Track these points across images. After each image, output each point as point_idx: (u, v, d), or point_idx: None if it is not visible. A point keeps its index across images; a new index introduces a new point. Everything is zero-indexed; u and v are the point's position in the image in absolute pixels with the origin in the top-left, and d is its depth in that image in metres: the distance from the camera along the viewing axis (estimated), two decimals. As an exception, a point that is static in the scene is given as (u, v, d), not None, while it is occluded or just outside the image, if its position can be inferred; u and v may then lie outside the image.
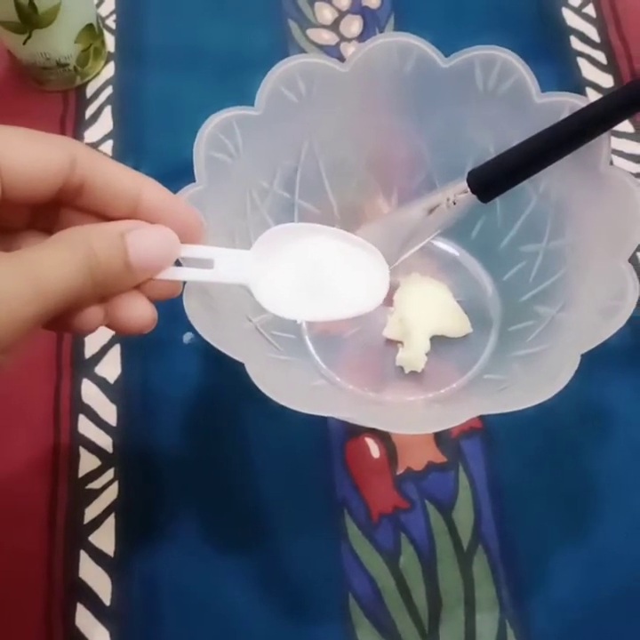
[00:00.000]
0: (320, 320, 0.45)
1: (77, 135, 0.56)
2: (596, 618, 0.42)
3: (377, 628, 0.42)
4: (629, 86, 0.38)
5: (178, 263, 0.33)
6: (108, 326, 0.32)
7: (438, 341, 0.47)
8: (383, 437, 0.46)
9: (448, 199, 0.42)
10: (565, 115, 0.39)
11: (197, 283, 0.36)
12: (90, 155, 0.31)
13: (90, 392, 0.48)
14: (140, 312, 0.32)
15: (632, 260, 0.37)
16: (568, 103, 0.40)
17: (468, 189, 0.41)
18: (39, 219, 0.33)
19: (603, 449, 0.46)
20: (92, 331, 0.31)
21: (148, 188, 0.32)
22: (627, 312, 0.35)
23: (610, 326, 0.35)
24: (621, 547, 0.43)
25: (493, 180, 0.40)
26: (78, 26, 0.54)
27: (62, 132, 0.56)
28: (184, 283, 0.35)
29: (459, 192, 0.41)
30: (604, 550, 0.43)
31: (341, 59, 0.43)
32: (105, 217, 0.32)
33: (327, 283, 0.37)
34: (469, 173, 0.41)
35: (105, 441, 0.47)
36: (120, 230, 0.31)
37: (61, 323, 0.30)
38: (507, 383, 0.41)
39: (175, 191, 0.37)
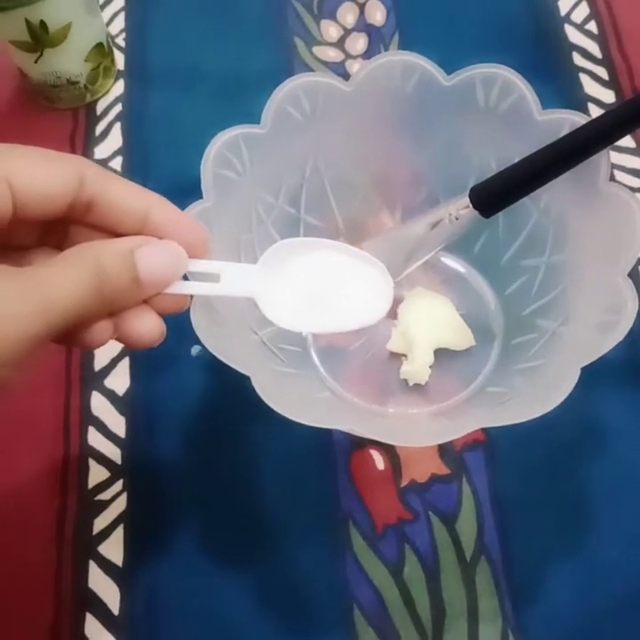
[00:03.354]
0: (325, 332, 0.46)
1: (87, 152, 0.57)
2: (598, 628, 0.42)
3: (381, 638, 0.42)
4: (628, 104, 0.39)
5: (185, 277, 0.34)
6: (118, 340, 0.33)
7: (442, 354, 0.48)
8: (388, 449, 0.47)
9: (450, 214, 0.43)
10: (566, 131, 0.40)
11: (204, 296, 0.37)
12: (98, 173, 0.32)
13: (99, 404, 0.49)
14: (149, 326, 0.33)
15: (633, 274, 0.38)
16: (568, 120, 0.40)
17: (470, 205, 0.42)
18: (50, 235, 0.33)
19: (603, 461, 0.46)
20: (101, 345, 0.32)
21: (155, 205, 0.33)
22: (625, 327, 0.35)
23: (608, 341, 0.35)
24: (622, 557, 0.44)
25: (494, 196, 0.41)
26: (88, 45, 0.55)
27: (72, 148, 0.57)
28: (191, 296, 0.35)
29: (461, 208, 0.42)
30: (605, 561, 0.44)
31: (346, 76, 0.44)
32: (114, 233, 0.33)
33: (332, 296, 0.37)
34: (471, 189, 0.42)
35: (114, 453, 0.47)
36: (129, 246, 0.31)
37: (71, 338, 0.31)
38: (509, 396, 0.42)
39: (183, 206, 0.38)
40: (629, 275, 0.38)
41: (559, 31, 0.61)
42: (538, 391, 0.38)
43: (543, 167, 0.40)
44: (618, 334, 0.35)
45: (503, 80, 0.42)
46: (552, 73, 0.59)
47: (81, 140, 0.57)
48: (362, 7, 0.62)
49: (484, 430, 0.47)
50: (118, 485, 0.46)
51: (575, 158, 0.39)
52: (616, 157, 0.55)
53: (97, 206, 0.32)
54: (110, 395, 0.49)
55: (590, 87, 0.59)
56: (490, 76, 0.42)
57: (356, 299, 0.38)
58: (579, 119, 0.40)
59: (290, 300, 0.36)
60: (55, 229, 0.33)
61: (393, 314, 0.47)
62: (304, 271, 0.37)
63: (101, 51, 0.57)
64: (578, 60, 0.60)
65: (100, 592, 0.44)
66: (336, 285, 0.38)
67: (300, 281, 0.37)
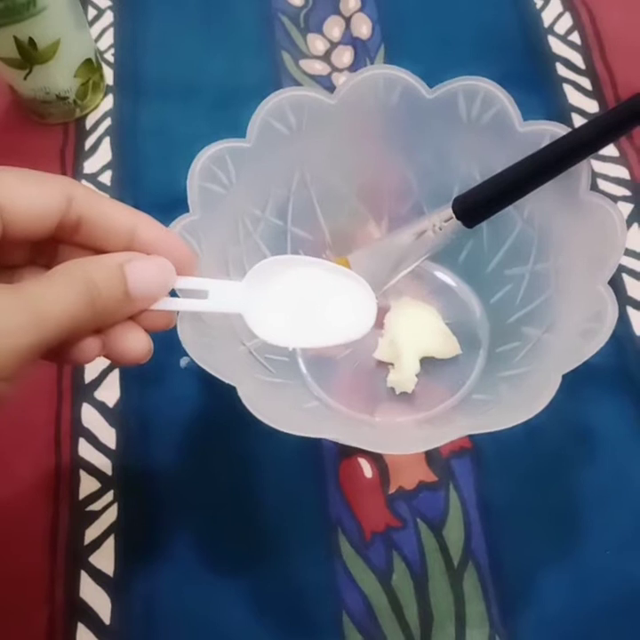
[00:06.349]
0: (310, 347, 0.47)
1: (77, 166, 0.57)
2: (585, 633, 0.43)
3: (370, 645, 0.43)
4: (607, 114, 0.39)
5: (174, 295, 0.35)
6: (106, 357, 0.33)
7: (428, 363, 0.48)
8: (376, 457, 0.47)
9: (434, 225, 0.43)
10: (546, 142, 0.41)
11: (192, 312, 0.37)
12: (86, 193, 0.32)
13: (89, 416, 0.49)
14: (136, 343, 0.33)
15: (616, 282, 0.38)
16: (549, 131, 0.41)
17: (454, 216, 0.42)
18: (39, 255, 0.34)
19: (589, 466, 0.46)
20: (89, 361, 0.33)
21: (142, 224, 0.33)
22: (605, 334, 0.36)
23: (589, 348, 0.36)
24: (608, 562, 0.44)
25: (476, 206, 0.42)
26: (77, 61, 0.56)
27: (62, 163, 0.58)
28: (177, 312, 0.36)
29: (444, 218, 0.43)
30: (592, 566, 0.44)
31: (333, 88, 0.44)
32: (102, 252, 0.33)
33: (317, 311, 0.38)
34: (454, 200, 0.42)
35: (104, 464, 0.48)
36: (118, 261, 0.32)
37: (60, 354, 0.31)
38: (494, 403, 0.42)
39: (172, 219, 0.38)
40: (610, 283, 0.38)
41: (543, 42, 0.62)
42: (521, 398, 0.39)
43: (524, 177, 0.40)
44: (598, 342, 0.35)
45: (485, 92, 0.42)
46: (536, 83, 0.60)
47: (71, 155, 0.58)
48: (348, 21, 0.63)
49: (470, 437, 0.47)
50: (109, 496, 0.47)
51: (555, 168, 0.40)
52: (600, 166, 0.56)
53: (85, 226, 0.33)
54: (100, 406, 0.49)
55: (574, 97, 0.59)
56: (472, 88, 0.42)
57: (341, 314, 0.38)
58: (559, 130, 0.40)
59: (276, 316, 0.37)
60: (44, 249, 0.34)
61: (379, 323, 0.48)
62: (289, 288, 0.38)
63: (90, 66, 0.57)
64: (561, 70, 0.61)
65: (91, 602, 0.44)
66: (321, 301, 0.38)
67: (285, 297, 0.38)
